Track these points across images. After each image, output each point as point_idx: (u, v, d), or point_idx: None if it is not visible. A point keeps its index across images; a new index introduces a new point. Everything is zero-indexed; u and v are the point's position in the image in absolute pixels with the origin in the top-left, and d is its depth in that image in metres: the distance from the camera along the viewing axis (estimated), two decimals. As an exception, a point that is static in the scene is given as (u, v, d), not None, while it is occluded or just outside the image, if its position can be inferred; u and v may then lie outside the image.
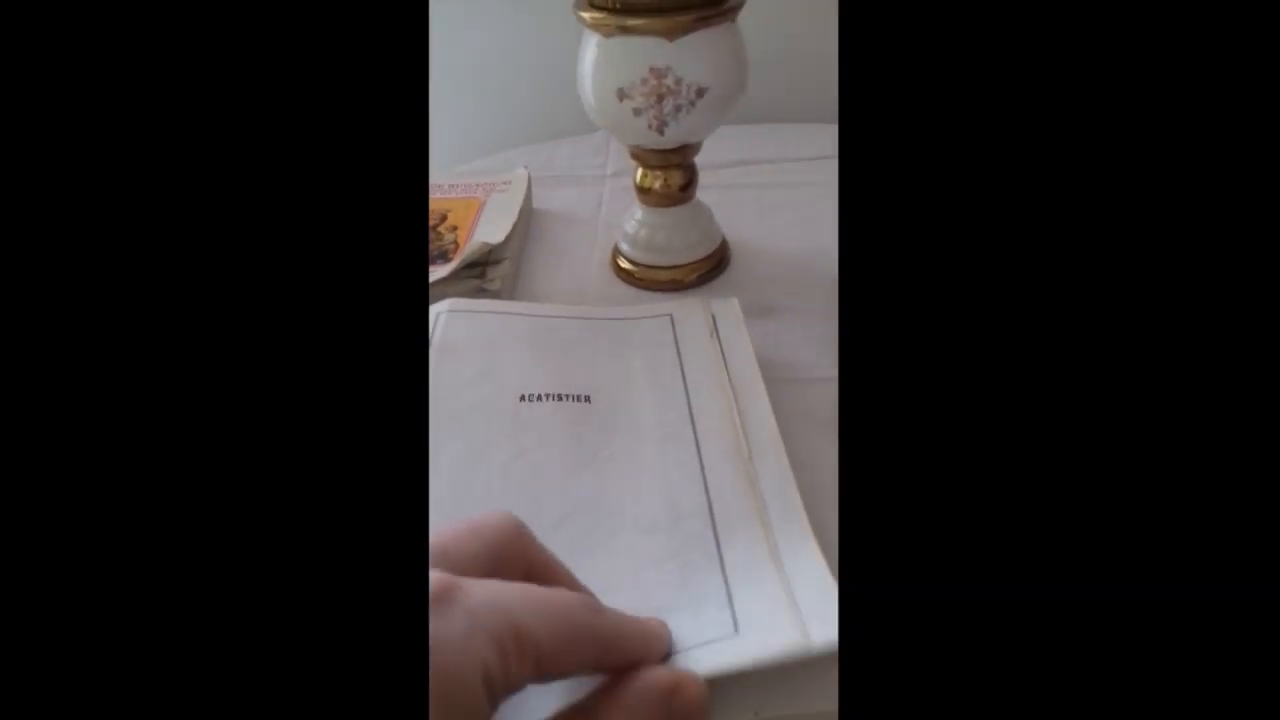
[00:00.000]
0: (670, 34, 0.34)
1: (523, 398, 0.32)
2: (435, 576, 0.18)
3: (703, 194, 0.44)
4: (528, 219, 0.50)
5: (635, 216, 0.44)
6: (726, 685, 0.22)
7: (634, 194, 0.43)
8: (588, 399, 0.32)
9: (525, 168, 0.53)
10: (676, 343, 0.35)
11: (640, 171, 0.42)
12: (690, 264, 0.44)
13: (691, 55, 0.35)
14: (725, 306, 0.37)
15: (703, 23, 0.35)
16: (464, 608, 0.17)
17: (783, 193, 0.53)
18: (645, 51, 0.35)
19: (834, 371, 0.36)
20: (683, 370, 0.34)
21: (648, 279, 0.44)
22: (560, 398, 0.32)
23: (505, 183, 0.51)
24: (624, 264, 0.45)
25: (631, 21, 0.35)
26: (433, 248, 0.44)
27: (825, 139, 0.58)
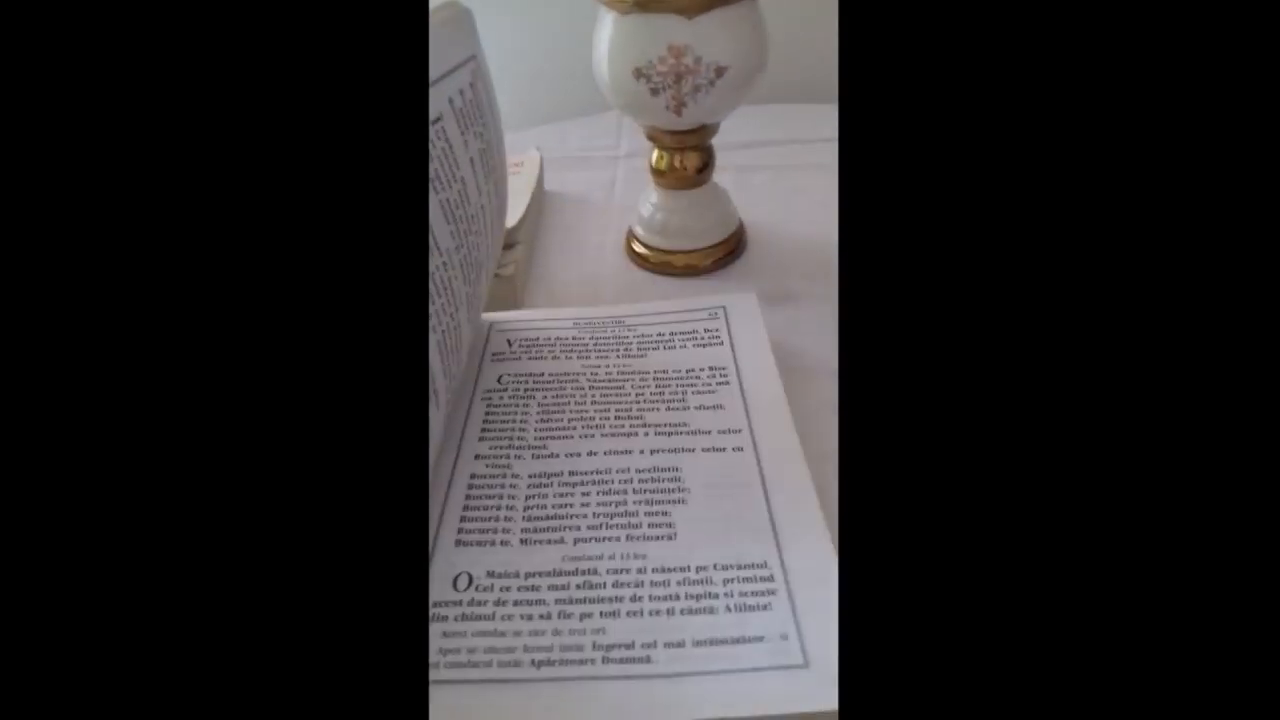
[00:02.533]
0: (689, 11, 0.33)
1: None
2: None
3: (717, 176, 0.43)
4: (540, 202, 0.49)
5: (650, 200, 0.43)
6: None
7: (649, 176, 0.43)
8: None
9: (538, 149, 0.52)
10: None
11: (656, 153, 0.41)
12: (707, 248, 0.43)
13: (711, 33, 0.34)
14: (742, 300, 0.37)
15: (723, 1, 0.33)
16: None
17: (799, 175, 0.52)
18: (664, 30, 0.34)
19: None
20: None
21: (663, 264, 0.43)
22: None
23: (517, 164, 0.50)
24: (639, 248, 0.44)
25: (650, -2, 0.34)
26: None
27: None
